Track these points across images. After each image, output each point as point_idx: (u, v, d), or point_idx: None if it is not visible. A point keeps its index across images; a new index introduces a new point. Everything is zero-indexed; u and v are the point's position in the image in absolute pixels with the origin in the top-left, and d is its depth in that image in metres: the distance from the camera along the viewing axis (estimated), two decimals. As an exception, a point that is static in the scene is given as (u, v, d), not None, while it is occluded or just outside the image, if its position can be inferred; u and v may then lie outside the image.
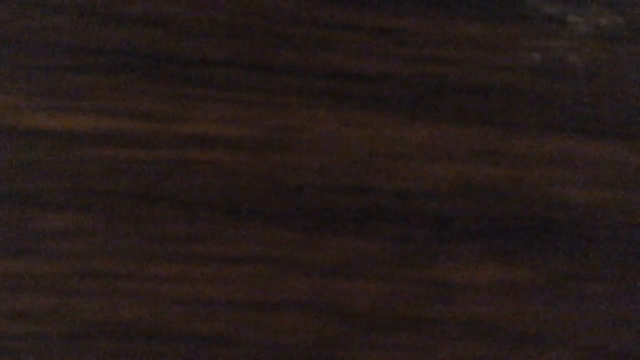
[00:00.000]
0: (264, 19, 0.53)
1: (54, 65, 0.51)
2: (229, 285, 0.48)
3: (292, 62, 0.52)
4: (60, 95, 0.50)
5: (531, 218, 0.50)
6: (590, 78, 0.53)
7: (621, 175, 0.51)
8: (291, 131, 0.51)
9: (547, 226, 0.50)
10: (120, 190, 0.49)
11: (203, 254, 0.48)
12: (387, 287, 0.48)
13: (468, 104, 0.52)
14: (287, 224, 0.49)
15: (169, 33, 0.52)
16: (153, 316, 0.47)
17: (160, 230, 0.48)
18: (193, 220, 0.48)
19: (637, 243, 0.50)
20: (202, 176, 0.49)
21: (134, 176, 0.49)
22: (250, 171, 0.50)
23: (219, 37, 0.52)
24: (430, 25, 0.54)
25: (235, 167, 0.50)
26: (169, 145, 0.50)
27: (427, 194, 0.50)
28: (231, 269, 0.48)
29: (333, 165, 0.50)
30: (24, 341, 0.46)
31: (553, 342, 0.48)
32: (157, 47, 0.52)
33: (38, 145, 0.49)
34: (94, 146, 0.49)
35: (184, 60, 0.51)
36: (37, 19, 0.52)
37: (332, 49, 0.53)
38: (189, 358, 0.46)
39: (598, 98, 0.53)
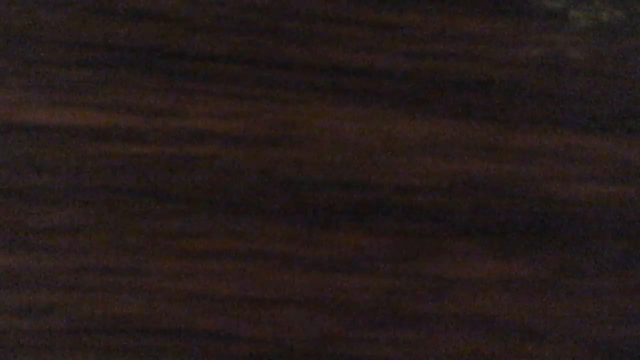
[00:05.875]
0: (263, 15, 0.53)
1: (53, 60, 0.51)
2: (229, 281, 0.48)
3: (292, 57, 0.52)
4: (59, 91, 0.50)
5: (531, 214, 0.50)
6: (591, 73, 0.53)
7: (622, 170, 0.51)
8: (291, 126, 0.51)
9: (546, 222, 0.50)
10: (120, 186, 0.49)
11: (202, 250, 0.48)
12: (386, 283, 0.48)
13: (468, 99, 0.52)
14: (286, 220, 0.49)
15: (168, 28, 0.52)
16: (152, 311, 0.47)
17: (159, 226, 0.48)
18: (193, 216, 0.48)
19: (637, 239, 0.50)
20: (202, 171, 0.49)
21: (133, 171, 0.49)
22: (250, 166, 0.50)
23: (218, 32, 0.52)
24: (431, 20, 0.54)
25: (235, 162, 0.50)
26: (168, 141, 0.50)
27: (427, 189, 0.50)
28: (231, 265, 0.48)
29: (332, 161, 0.50)
30: (24, 336, 0.46)
31: (552, 337, 0.48)
32: (156, 43, 0.51)
33: (37, 141, 0.49)
34: (93, 141, 0.49)
35: (183, 55, 0.51)
36: (37, 14, 0.52)
37: (332, 44, 0.52)
38: (189, 353, 0.46)
39: (599, 93, 0.53)
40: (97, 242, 0.48)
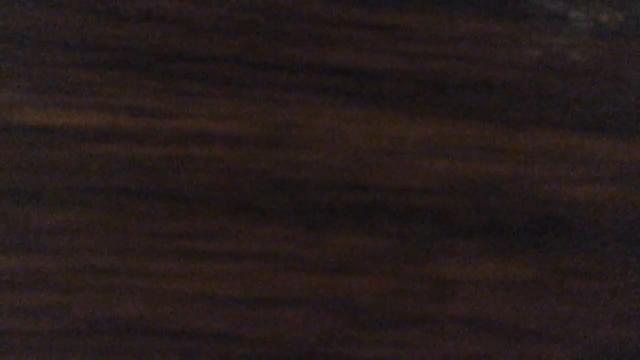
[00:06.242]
0: (263, 16, 0.53)
1: (54, 61, 0.51)
2: (229, 282, 0.47)
3: (293, 59, 0.52)
4: (59, 92, 0.50)
5: (532, 215, 0.50)
6: (591, 75, 0.53)
7: (622, 172, 0.51)
8: (291, 127, 0.51)
9: (547, 223, 0.50)
10: (120, 187, 0.49)
11: (203, 251, 0.48)
12: (388, 284, 0.48)
13: (469, 101, 0.52)
14: (287, 221, 0.49)
15: (168, 29, 0.52)
16: (152, 313, 0.47)
17: (159, 227, 0.48)
18: (193, 217, 0.48)
19: (638, 240, 0.50)
20: (202, 172, 0.49)
21: (133, 172, 0.49)
22: (250, 167, 0.50)
23: (218, 33, 0.52)
24: (431, 21, 0.54)
25: (235, 163, 0.50)
26: (169, 142, 0.50)
27: (428, 190, 0.50)
28: (231, 266, 0.48)
29: (333, 162, 0.50)
30: (23, 337, 0.46)
31: (554, 339, 0.48)
32: (156, 43, 0.51)
33: (37, 142, 0.49)
34: (94, 142, 0.49)
35: (183, 56, 0.51)
36: (37, 15, 0.51)
37: (332, 45, 0.52)
38: (189, 355, 0.46)
39: (599, 95, 0.53)
40: (97, 243, 0.48)
